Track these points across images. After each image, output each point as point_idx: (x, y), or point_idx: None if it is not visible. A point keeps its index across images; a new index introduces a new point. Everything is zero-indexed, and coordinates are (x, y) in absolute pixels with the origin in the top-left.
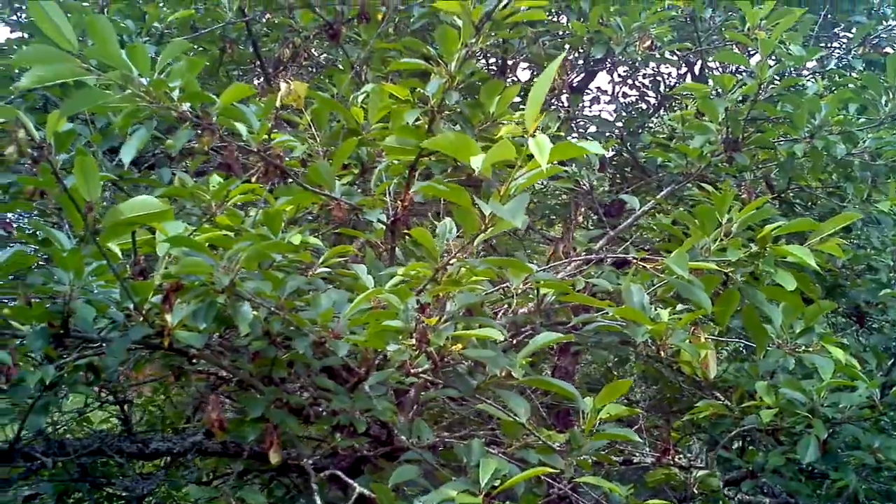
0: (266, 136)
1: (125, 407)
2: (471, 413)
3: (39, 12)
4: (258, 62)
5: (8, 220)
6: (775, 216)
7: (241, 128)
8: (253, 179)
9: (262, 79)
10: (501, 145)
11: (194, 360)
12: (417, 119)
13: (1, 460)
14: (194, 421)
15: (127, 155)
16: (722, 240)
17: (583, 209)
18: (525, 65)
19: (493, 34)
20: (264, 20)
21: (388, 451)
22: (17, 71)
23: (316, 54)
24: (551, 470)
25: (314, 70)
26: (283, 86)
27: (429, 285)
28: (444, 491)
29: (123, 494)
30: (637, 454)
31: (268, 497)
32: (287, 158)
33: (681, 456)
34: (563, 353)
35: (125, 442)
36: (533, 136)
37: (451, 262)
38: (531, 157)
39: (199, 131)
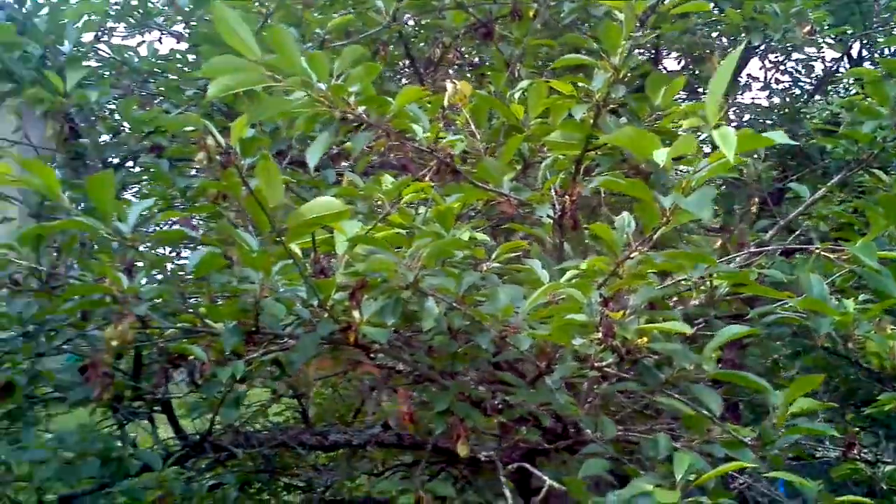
0: (436, 136)
1: (302, 401)
2: (640, 406)
3: (223, 23)
4: (409, 63)
5: (194, 223)
6: None
7: (418, 129)
8: (426, 178)
9: (413, 79)
10: (685, 139)
11: (372, 355)
12: (584, 114)
13: (192, 452)
14: (369, 413)
15: (312, 158)
16: None
17: (756, 199)
18: (674, 54)
19: (657, 27)
20: (413, 22)
21: (569, 444)
22: (180, 79)
23: (466, 53)
24: (746, 465)
25: (465, 69)
26: (449, 86)
27: (609, 279)
28: (638, 485)
29: (301, 485)
30: (819, 449)
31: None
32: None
33: (866, 450)
34: (731, 345)
35: (306, 434)
36: (716, 127)
37: (631, 255)
38: (714, 148)
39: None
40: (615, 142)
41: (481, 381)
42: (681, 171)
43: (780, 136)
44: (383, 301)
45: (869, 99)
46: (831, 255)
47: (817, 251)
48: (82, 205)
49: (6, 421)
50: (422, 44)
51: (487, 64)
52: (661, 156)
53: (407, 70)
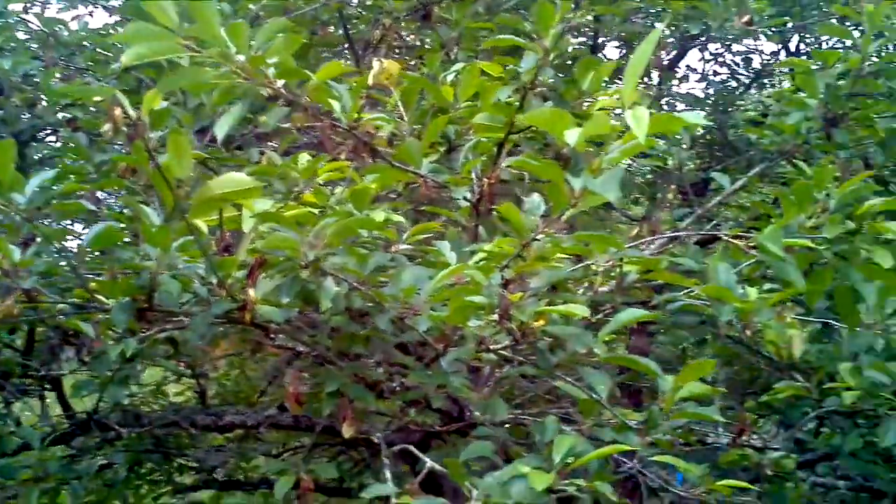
0: (357, 114)
1: (200, 380)
2: (543, 391)
3: None
4: (348, 45)
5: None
6: (872, 194)
7: (336, 105)
8: (342, 157)
9: (351, 61)
10: (597, 118)
11: (272, 336)
12: (509, 96)
13: (79, 430)
14: (269, 395)
15: (220, 131)
16: (818, 216)
17: (673, 187)
18: (615, 43)
19: (592, 9)
20: (356, 2)
21: (460, 427)
22: (111, 54)
23: (405, 36)
24: (627, 448)
25: (404, 52)
26: (375, 64)
27: (513, 261)
28: (516, 467)
29: (194, 465)
30: (711, 434)
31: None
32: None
33: (755, 437)
34: (639, 332)
35: (200, 415)
36: (631, 108)
37: (537, 237)
38: (626, 130)
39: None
40: (530, 121)
41: (384, 363)
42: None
43: (695, 118)
44: (280, 279)
45: (800, 90)
46: (739, 244)
47: (726, 239)
48: None
49: None
50: (362, 26)
51: (426, 47)
52: (572, 136)
53: (346, 52)
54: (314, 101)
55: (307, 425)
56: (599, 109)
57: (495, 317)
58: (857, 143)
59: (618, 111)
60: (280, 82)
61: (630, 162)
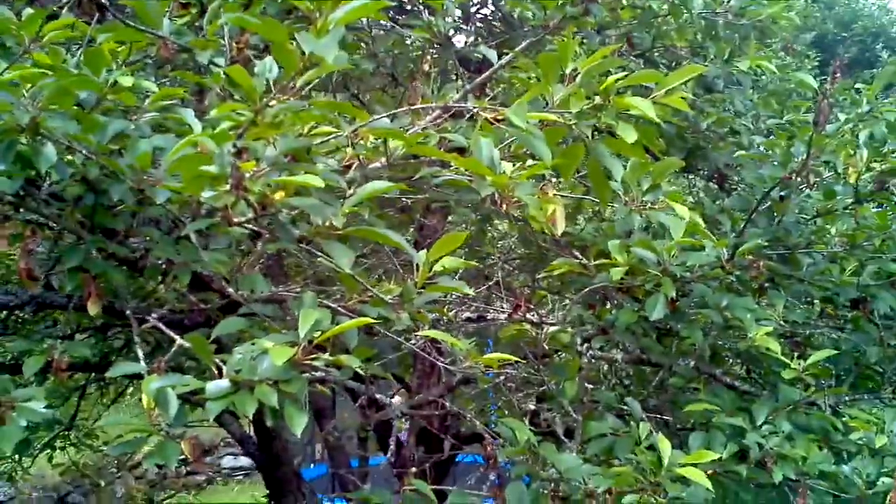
0: None
1: None
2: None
3: None
4: None
5: None
6: (625, 68)
7: None
8: (63, 12)
9: None
10: None
11: (20, 209)
12: None
13: None
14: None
15: None
16: (569, 93)
17: (429, 58)
18: None
19: None
20: None
21: (225, 304)
22: None
23: None
24: (373, 321)
25: None
26: None
27: (249, 129)
28: (261, 342)
29: None
30: (491, 311)
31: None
32: None
33: (533, 312)
34: (429, 211)
35: None
36: None
37: (270, 103)
38: None
39: None
40: None
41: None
42: None
43: None
44: None
45: None
46: (489, 117)
47: (476, 112)
48: None
49: None
50: None
51: None
52: None
53: None
54: None
55: (79, 305)
56: None
57: (228, 187)
58: (623, 24)
59: None
60: None
61: (409, 36)
